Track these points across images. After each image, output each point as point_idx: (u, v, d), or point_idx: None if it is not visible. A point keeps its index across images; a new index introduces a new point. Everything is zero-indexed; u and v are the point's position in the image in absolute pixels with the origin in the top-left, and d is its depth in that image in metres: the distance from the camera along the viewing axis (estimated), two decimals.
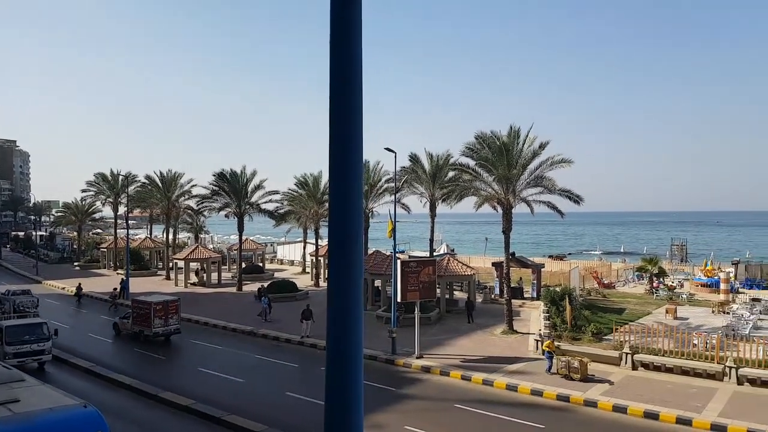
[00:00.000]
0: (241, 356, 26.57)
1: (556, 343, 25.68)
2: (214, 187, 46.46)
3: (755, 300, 36.96)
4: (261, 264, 58.33)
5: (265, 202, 47.91)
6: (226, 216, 47.97)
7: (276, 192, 49.18)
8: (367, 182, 45.39)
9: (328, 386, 2.55)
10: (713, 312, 34.42)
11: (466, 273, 36.30)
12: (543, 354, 23.63)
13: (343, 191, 2.49)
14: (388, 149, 28.47)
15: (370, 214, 46.40)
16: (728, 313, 33.01)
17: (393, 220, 28.55)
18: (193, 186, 55.80)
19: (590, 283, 45.07)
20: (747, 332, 27.08)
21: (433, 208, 41.93)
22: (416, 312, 26.04)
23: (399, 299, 26.16)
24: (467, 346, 27.18)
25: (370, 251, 44.72)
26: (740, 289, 43.15)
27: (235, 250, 54.89)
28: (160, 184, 55.92)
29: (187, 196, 56.44)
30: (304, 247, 58.73)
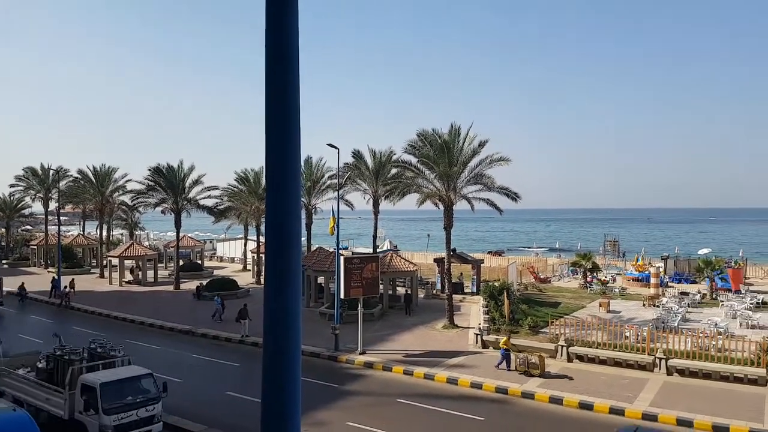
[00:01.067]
0: (179, 356, 25.79)
1: (494, 337, 26.30)
2: (150, 182, 44.80)
3: (683, 293, 39.03)
4: (200, 261, 56.78)
5: (204, 198, 46.75)
6: (163, 212, 46.43)
7: (215, 187, 48.05)
8: (310, 178, 45.00)
9: (264, 385, 2.45)
10: (644, 305, 36.14)
11: (408, 269, 36.58)
12: (500, 351, 23.32)
13: (281, 187, 2.39)
14: (330, 145, 28.26)
15: (313, 211, 46.03)
16: (658, 306, 34.73)
17: (336, 216, 28.39)
18: (128, 181, 53.61)
19: (527, 278, 46.41)
20: (676, 324, 28.58)
21: (376, 204, 42.00)
22: (359, 308, 26.03)
23: (342, 296, 26.07)
24: (409, 341, 27.42)
25: (313, 248, 44.36)
26: (669, 283, 45.48)
27: (172, 247, 53.19)
28: (93, 179, 53.36)
29: (121, 192, 54.17)
30: (245, 244, 57.64)
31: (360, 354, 24.81)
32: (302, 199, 45.44)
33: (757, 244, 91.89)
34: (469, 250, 62.94)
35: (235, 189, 49.65)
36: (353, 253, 40.70)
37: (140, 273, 47.36)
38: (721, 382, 20.95)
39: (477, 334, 26.66)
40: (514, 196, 31.25)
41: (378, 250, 44.41)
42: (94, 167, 54.02)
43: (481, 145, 30.45)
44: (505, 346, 23.18)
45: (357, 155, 42.28)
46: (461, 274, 43.82)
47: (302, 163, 46.30)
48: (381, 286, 32.73)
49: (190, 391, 20.62)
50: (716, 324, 27.87)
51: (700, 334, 24.15)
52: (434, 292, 40.51)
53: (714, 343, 23.15)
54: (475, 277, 41.22)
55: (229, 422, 17.47)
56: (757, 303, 35.40)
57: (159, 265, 51.91)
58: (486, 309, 30.82)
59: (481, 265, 43.63)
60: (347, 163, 42.03)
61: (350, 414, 18.21)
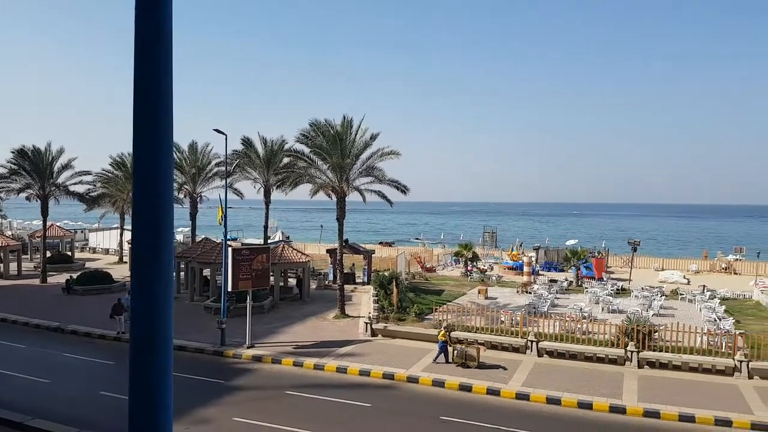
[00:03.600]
0: (47, 355, 23.73)
1: (383, 325, 26.94)
2: (13, 166, 40.50)
3: (552, 281, 42.38)
4: (70, 253, 52.45)
5: (75, 184, 43.11)
6: (28, 199, 42.18)
7: (88, 172, 44.57)
8: (195, 165, 43.10)
9: (132, 383, 2.38)
10: (518, 292, 38.73)
11: (300, 260, 36.32)
12: (437, 344, 23.18)
13: (149, 170, 2.30)
14: (217, 131, 27.28)
15: (198, 199, 44.15)
16: (530, 292, 37.41)
17: (224, 205, 27.47)
18: None
19: (415, 267, 47.94)
20: (546, 309, 30.95)
21: (267, 194, 41.16)
22: (248, 301, 25.47)
23: (230, 288, 25.32)
24: (301, 333, 27.31)
25: (198, 238, 42.62)
26: (540, 272, 49.08)
27: (38, 237, 48.74)
28: None
29: None
30: (121, 234, 54.15)
31: (248, 348, 24.30)
32: (186, 186, 43.42)
33: (617, 239, 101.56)
34: (362, 242, 63.67)
35: (110, 174, 46.33)
36: (243, 244, 39.65)
37: (2, 265, 42.89)
38: (585, 363, 22.98)
39: (367, 323, 27.14)
40: (403, 189, 32.05)
41: (269, 241, 43.64)
42: None
43: (373, 138, 30.88)
44: (442, 339, 22.91)
45: (247, 142, 41.11)
46: (353, 264, 44.30)
47: (186, 148, 44.24)
48: (272, 278, 32.24)
49: (60, 392, 19.13)
50: (581, 309, 30.53)
51: (567, 318, 26.38)
52: (326, 282, 40.60)
53: (579, 326, 25.39)
54: (366, 267, 41.84)
55: (102, 423, 16.41)
56: (617, 289, 39.27)
57: (24, 256, 47.49)
58: (376, 298, 31.46)
59: (373, 255, 44.38)
60: (236, 151, 40.76)
61: (236, 409, 17.83)
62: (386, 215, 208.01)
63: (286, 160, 38.11)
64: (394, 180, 31.69)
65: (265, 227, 42.56)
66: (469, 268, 47.00)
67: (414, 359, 22.96)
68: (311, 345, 25.09)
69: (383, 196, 32.21)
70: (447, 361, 22.50)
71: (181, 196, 44.33)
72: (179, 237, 63.83)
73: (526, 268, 42.90)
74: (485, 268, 48.76)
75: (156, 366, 2.37)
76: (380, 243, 73.04)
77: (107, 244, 61.62)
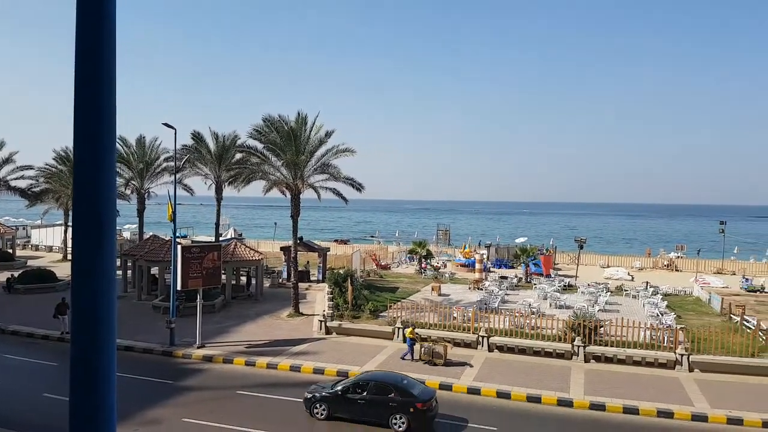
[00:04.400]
0: None
1: (337, 323, 26.87)
2: None
3: (503, 278, 43.22)
4: (11, 250, 50.01)
5: (16, 179, 41.19)
6: None
7: (30, 167, 42.62)
8: (143, 159, 41.81)
9: (73, 383, 2.28)
10: (470, 288, 39.32)
11: (253, 258, 35.73)
12: (404, 341, 23.24)
13: (90, 162, 2.20)
14: (166, 125, 26.53)
15: (146, 195, 42.85)
16: (482, 289, 38.05)
17: (173, 202, 26.74)
18: None
19: (370, 265, 47.96)
20: (496, 305, 31.52)
21: (219, 190, 40.31)
22: (198, 300, 24.90)
23: (179, 287, 24.67)
24: (253, 332, 26.91)
25: (146, 236, 41.40)
26: (491, 269, 49.97)
27: None
28: None
29: None
30: (65, 231, 52.01)
31: (198, 348, 23.78)
32: (134, 182, 42.10)
33: (564, 237, 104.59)
34: (317, 239, 63.24)
35: (53, 169, 44.38)
36: (193, 242, 38.74)
37: None
38: (534, 357, 23.55)
39: (321, 321, 26.99)
40: (358, 187, 31.96)
41: (221, 239, 42.79)
42: None
43: (328, 134, 30.64)
44: (411, 336, 22.93)
45: (197, 137, 40.11)
46: (308, 262, 43.92)
47: (134, 143, 42.90)
48: (224, 277, 31.63)
49: (0, 394, 18.22)
50: (530, 304, 31.25)
51: (517, 314, 26.94)
52: (280, 281, 40.12)
53: (528, 321, 25.97)
54: (321, 265, 41.57)
55: (45, 425, 15.76)
56: (564, 286, 40.34)
57: None
58: (331, 296, 31.31)
59: (328, 253, 44.14)
60: (186, 146, 39.73)
61: (186, 409, 17.43)
62: (341, 213, 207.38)
63: (238, 156, 37.43)
64: (349, 177, 31.57)
65: (217, 224, 41.72)
66: (423, 265, 47.39)
67: (368, 356, 22.99)
68: (264, 344, 24.76)
69: (338, 194, 32.06)
70: (413, 359, 22.57)
71: (129, 191, 42.96)
72: (126, 234, 61.84)
73: (477, 266, 43.57)
74: (439, 265, 49.28)
75: (99, 365, 2.28)
76: (335, 240, 72.74)
77: (51, 241, 59.07)
